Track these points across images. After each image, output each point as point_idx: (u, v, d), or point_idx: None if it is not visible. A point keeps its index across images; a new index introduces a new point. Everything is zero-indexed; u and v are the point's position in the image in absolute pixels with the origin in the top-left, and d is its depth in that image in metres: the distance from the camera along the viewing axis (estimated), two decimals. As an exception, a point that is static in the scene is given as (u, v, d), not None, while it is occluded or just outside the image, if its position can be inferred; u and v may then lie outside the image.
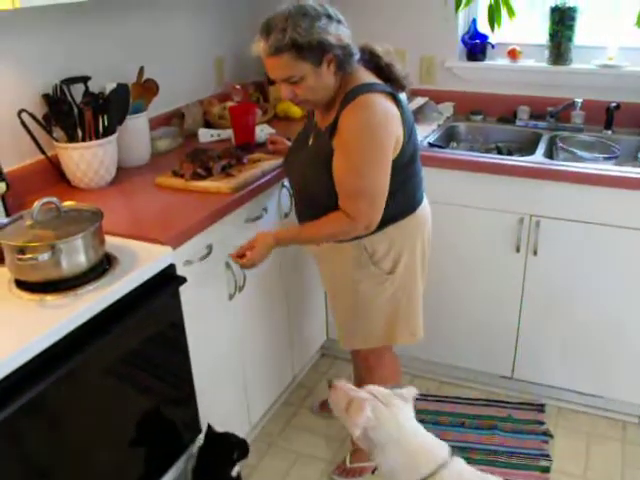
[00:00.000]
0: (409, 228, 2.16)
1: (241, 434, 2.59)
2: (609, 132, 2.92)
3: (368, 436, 1.76)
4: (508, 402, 2.95)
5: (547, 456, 2.64)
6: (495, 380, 3.00)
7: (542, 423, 2.82)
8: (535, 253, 2.66)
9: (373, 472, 2.55)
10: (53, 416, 1.63)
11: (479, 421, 2.83)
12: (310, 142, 2.13)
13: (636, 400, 2.76)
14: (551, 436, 2.75)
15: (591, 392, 2.83)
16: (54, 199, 1.80)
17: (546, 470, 2.58)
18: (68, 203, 1.90)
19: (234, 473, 2.16)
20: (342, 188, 1.99)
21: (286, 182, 2.53)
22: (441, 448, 1.77)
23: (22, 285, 1.73)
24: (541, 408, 2.91)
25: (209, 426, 2.17)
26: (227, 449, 2.15)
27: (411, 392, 1.86)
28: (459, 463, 1.77)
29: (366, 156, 1.94)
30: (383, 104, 1.96)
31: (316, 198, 2.09)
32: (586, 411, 2.88)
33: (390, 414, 1.77)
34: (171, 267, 1.92)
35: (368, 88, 1.97)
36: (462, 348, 2.96)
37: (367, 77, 2.02)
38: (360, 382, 2.71)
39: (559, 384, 2.88)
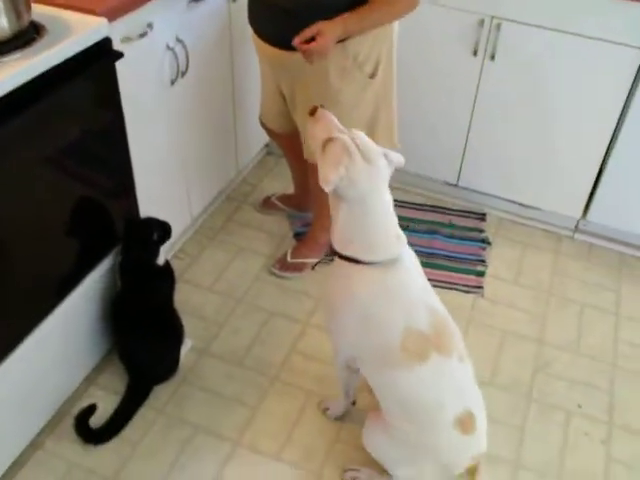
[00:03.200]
0: (388, 27, 2.06)
1: (181, 226, 2.60)
2: None
3: (337, 193, 1.61)
4: (451, 209, 2.98)
5: (483, 262, 2.72)
6: (440, 187, 3.00)
7: (482, 231, 2.87)
8: (492, 58, 2.55)
9: (313, 268, 2.59)
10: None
11: (421, 225, 2.87)
12: None
13: (573, 214, 2.82)
14: (489, 244, 2.82)
15: (532, 204, 2.87)
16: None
17: (481, 274, 2.66)
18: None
19: (160, 261, 2.12)
20: None
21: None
22: (399, 240, 1.68)
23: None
24: (482, 217, 2.95)
25: (130, 216, 2.11)
26: (146, 232, 2.09)
27: (399, 159, 1.67)
28: (408, 257, 1.71)
29: None
30: None
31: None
32: (525, 222, 2.94)
33: (367, 175, 1.60)
34: (106, 40, 1.77)
35: None
36: (410, 153, 2.85)
37: None
38: (302, 183, 2.69)
39: (502, 194, 2.91)
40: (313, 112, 1.72)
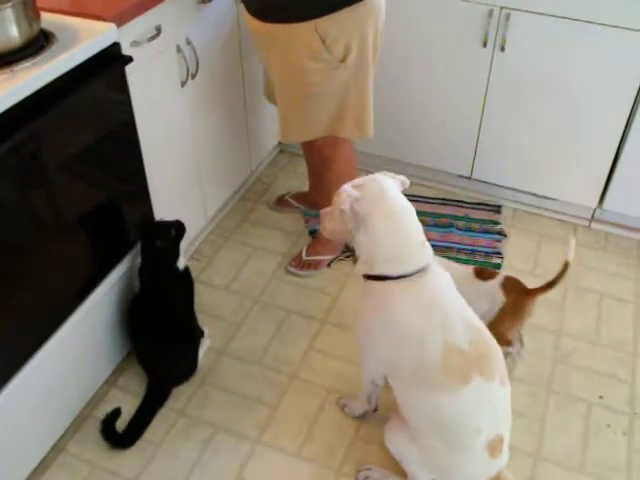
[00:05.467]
0: (362, 14, 2.04)
1: (197, 228, 2.62)
2: None
3: (355, 213, 1.62)
4: (466, 202, 2.97)
5: (499, 254, 2.71)
6: (454, 180, 2.99)
7: (497, 223, 2.86)
8: (502, 49, 2.53)
9: (329, 265, 2.60)
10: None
11: (436, 219, 2.86)
12: None
13: (589, 203, 2.79)
14: (505, 236, 2.80)
15: (546, 194, 2.85)
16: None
17: (498, 266, 2.64)
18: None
19: (180, 265, 2.13)
20: None
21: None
22: (424, 247, 1.65)
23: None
24: (497, 209, 2.93)
25: (146, 221, 2.13)
26: (164, 232, 2.08)
27: (403, 179, 1.71)
28: (436, 266, 1.67)
29: None
30: None
31: None
32: (540, 213, 2.92)
33: (375, 183, 1.65)
34: (115, 45, 1.78)
35: None
36: (422, 146, 2.92)
37: None
38: (316, 179, 2.70)
39: (516, 186, 2.89)
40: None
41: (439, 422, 1.66)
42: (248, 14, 2.13)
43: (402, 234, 1.63)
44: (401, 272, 1.62)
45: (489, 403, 1.64)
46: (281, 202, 2.91)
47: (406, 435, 1.76)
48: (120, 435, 2.04)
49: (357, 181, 1.68)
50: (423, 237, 1.65)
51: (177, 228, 2.10)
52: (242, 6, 2.39)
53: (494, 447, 1.66)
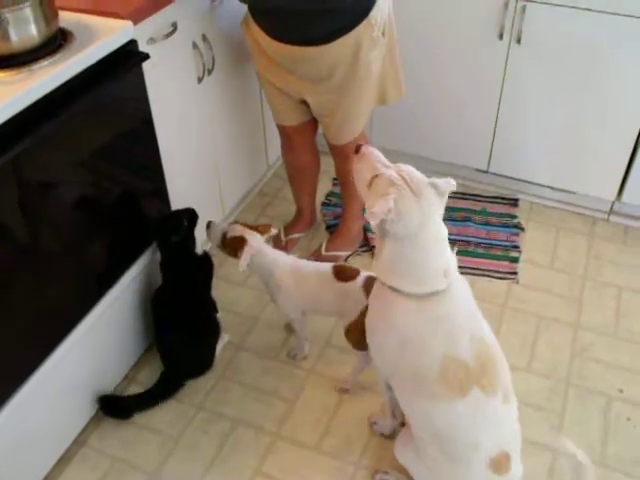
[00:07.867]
0: None
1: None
2: None
3: (383, 227, 1.52)
4: (483, 196, 2.96)
5: (517, 247, 2.70)
6: (471, 174, 2.98)
7: (515, 217, 2.85)
8: (519, 41, 2.52)
9: (346, 260, 2.60)
10: (12, 197, 1.58)
11: (453, 213, 2.85)
12: None
13: (607, 196, 2.77)
14: (522, 229, 2.79)
15: (564, 188, 2.83)
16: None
17: (515, 260, 2.64)
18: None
19: (198, 250, 2.15)
20: None
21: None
22: (446, 275, 1.57)
23: (-29, 64, 1.60)
24: (515, 202, 2.92)
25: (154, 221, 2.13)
26: (176, 221, 2.09)
27: (449, 185, 1.57)
28: (456, 288, 1.61)
29: None
30: None
31: None
32: (558, 206, 2.91)
33: (417, 208, 1.50)
34: (132, 43, 1.80)
35: None
36: (438, 140, 2.91)
37: None
38: (312, 192, 2.72)
39: (534, 179, 2.87)
40: (357, 150, 1.66)
41: (437, 433, 1.64)
42: (282, 44, 2.07)
43: (427, 265, 1.56)
44: (413, 292, 1.58)
45: (487, 419, 1.60)
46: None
47: (413, 448, 1.74)
48: (116, 406, 2.10)
49: (407, 174, 1.54)
50: (449, 265, 1.59)
51: (189, 217, 2.10)
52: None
53: (498, 463, 1.62)
